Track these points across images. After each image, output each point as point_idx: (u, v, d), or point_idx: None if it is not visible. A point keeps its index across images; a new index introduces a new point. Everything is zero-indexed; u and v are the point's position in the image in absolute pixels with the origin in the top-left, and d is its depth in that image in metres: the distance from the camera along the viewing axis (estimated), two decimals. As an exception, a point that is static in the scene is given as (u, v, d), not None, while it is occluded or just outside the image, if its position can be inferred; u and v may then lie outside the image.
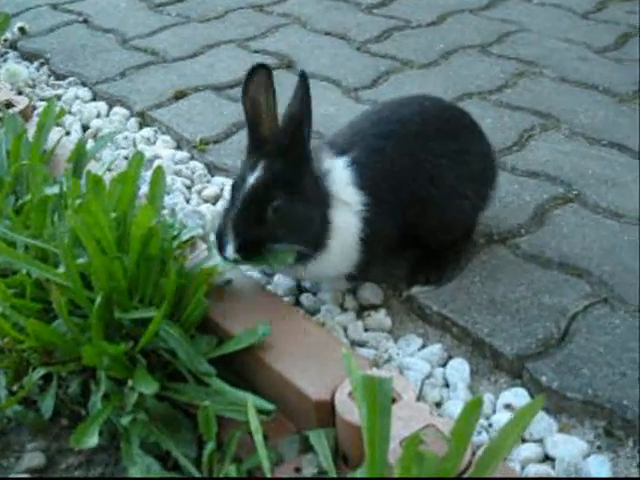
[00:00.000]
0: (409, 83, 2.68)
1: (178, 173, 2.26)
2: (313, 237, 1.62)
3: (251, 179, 1.55)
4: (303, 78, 1.56)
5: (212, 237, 1.64)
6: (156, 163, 2.26)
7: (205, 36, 3.09)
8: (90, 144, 2.29)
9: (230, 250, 1.53)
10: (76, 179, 1.73)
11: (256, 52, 2.94)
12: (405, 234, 1.78)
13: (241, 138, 2.39)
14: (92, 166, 1.99)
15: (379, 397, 1.16)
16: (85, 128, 2.55)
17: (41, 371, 1.52)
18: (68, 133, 2.50)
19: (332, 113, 2.49)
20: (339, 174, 1.67)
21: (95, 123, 2.55)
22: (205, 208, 2.09)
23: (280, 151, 1.57)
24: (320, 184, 1.63)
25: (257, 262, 1.59)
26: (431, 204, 1.76)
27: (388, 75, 2.74)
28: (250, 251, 1.55)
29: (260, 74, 1.59)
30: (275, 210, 1.55)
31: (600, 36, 3.05)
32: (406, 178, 1.73)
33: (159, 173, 1.69)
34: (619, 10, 3.28)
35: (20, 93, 2.75)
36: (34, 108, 2.57)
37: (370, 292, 1.81)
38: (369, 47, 2.96)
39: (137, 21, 3.28)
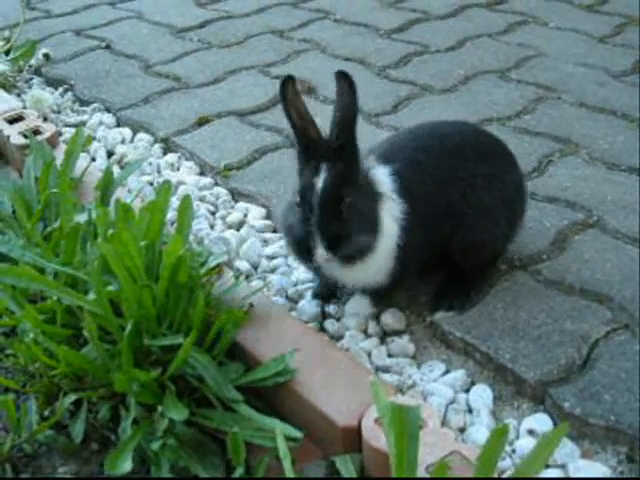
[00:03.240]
0: (429, 109, 2.71)
1: (202, 199, 2.29)
2: (376, 229, 1.68)
3: (320, 182, 1.60)
4: (347, 79, 1.61)
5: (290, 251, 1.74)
6: (181, 189, 2.30)
7: (226, 62, 3.14)
8: (116, 171, 2.34)
9: (322, 251, 1.58)
10: (105, 207, 1.77)
11: (277, 78, 2.97)
12: (437, 251, 1.81)
13: (263, 164, 2.43)
14: (119, 193, 2.02)
15: (407, 425, 1.18)
16: (110, 154, 2.59)
17: (72, 397, 1.55)
18: (93, 159, 2.54)
19: (353, 139, 2.52)
20: (383, 180, 1.72)
21: (120, 149, 2.59)
22: (229, 234, 2.12)
23: (337, 152, 1.62)
24: (372, 185, 1.70)
25: (345, 259, 1.64)
26: (464, 222, 1.80)
27: (408, 101, 2.77)
28: (339, 247, 1.60)
29: (292, 84, 1.63)
30: (349, 206, 1.61)
31: (617, 60, 3.07)
32: (442, 192, 1.78)
33: (187, 202, 1.72)
34: (636, 34, 3.30)
35: (45, 119, 2.79)
36: (60, 134, 2.61)
37: (393, 318, 1.84)
38: (389, 72, 2.99)
39: (159, 47, 3.33)
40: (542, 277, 1.91)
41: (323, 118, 1.65)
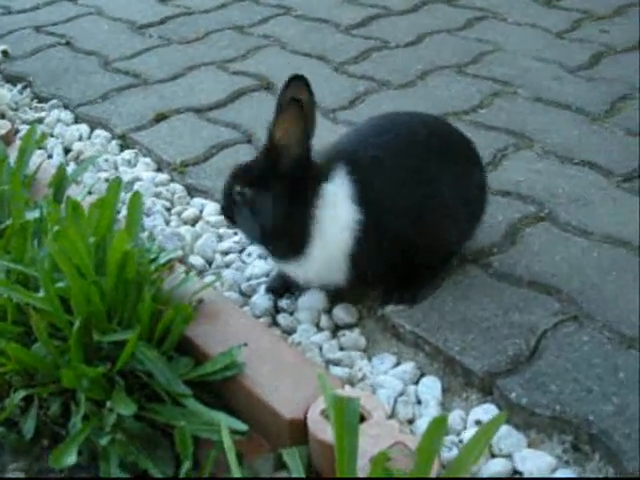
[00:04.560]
0: (386, 104, 2.73)
1: (158, 195, 2.29)
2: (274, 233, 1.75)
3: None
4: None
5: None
6: (137, 186, 2.30)
7: (186, 58, 3.14)
8: (72, 168, 2.34)
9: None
10: (56, 204, 1.77)
11: (236, 74, 2.98)
12: (399, 252, 1.81)
13: (220, 160, 2.44)
14: (73, 190, 2.02)
15: (347, 416, 1.20)
16: (67, 151, 2.59)
17: (22, 393, 1.55)
18: (50, 156, 2.54)
19: (310, 134, 2.53)
20: (339, 183, 1.73)
21: (77, 146, 2.58)
22: (184, 230, 2.13)
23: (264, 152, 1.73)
24: (306, 193, 1.72)
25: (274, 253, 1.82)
26: (425, 221, 1.80)
27: (366, 96, 2.79)
28: (226, 216, 1.83)
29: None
30: (241, 195, 1.75)
31: (574, 55, 3.10)
32: (406, 195, 1.78)
33: (136, 198, 1.73)
34: (593, 29, 3.34)
35: (3, 116, 2.79)
36: (17, 132, 2.60)
37: (345, 312, 1.85)
38: (347, 68, 3.01)
39: (119, 43, 3.32)
40: (493, 270, 1.93)
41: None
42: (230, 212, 1.80)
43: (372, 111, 2.64)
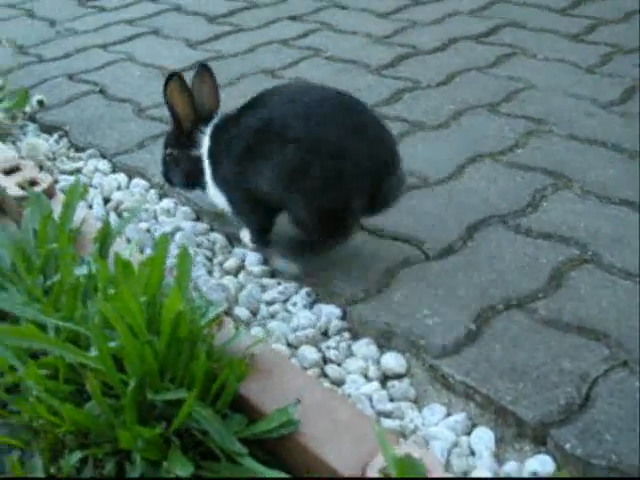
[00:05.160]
0: (421, 145, 2.74)
1: (199, 245, 2.31)
2: (186, 177, 2.33)
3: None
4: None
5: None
6: (178, 236, 2.32)
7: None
8: (114, 218, 2.37)
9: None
10: (104, 261, 1.78)
11: (270, 119, 2.99)
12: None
13: (260, 208, 2.45)
14: (118, 244, 2.04)
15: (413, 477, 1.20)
16: (106, 200, 2.61)
17: (78, 454, 1.56)
18: (90, 206, 2.56)
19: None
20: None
21: (116, 196, 2.61)
22: (228, 280, 2.14)
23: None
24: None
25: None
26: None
27: (401, 138, 2.79)
28: (165, 178, 2.41)
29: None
30: (169, 155, 2.34)
31: (605, 90, 3.10)
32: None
33: (185, 254, 1.73)
34: (624, 63, 3.34)
35: (41, 167, 2.81)
36: (56, 182, 2.63)
37: (394, 361, 1.85)
38: (380, 110, 3.01)
39: (152, 90, 3.35)
40: (539, 316, 1.93)
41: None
42: (165, 172, 2.39)
43: (409, 153, 2.65)
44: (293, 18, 4.13)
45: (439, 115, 2.96)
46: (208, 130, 2.21)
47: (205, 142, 2.20)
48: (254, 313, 2.05)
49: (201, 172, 2.22)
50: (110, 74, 3.57)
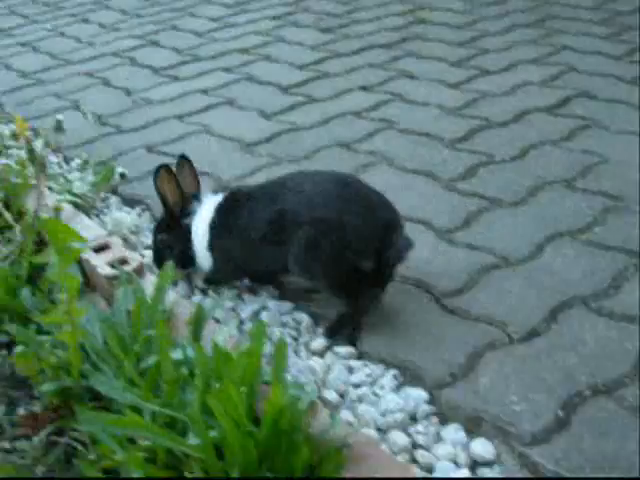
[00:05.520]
0: (499, 223, 2.77)
1: (284, 324, 2.35)
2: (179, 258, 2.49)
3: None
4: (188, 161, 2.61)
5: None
6: (264, 315, 2.37)
7: (297, 178, 3.21)
8: (199, 298, 2.43)
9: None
10: (200, 346, 1.84)
11: (348, 194, 3.04)
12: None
13: (343, 287, 2.49)
14: (210, 327, 2.09)
15: None
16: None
17: None
18: (175, 283, 2.62)
19: (426, 257, 2.58)
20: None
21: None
22: (315, 362, 2.17)
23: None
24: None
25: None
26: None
27: (479, 215, 2.83)
28: (155, 262, 2.60)
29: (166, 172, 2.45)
30: (160, 241, 2.57)
31: (682, 165, 3.11)
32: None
33: (281, 346, 1.78)
34: (698, 135, 3.35)
35: (125, 240, 2.88)
36: (142, 257, 2.70)
37: (483, 447, 1.87)
38: (456, 185, 3.06)
39: (230, 162, 3.42)
40: (628, 403, 1.94)
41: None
42: (157, 258, 2.58)
43: (488, 231, 2.69)
44: (364, 88, 4.20)
45: (515, 191, 2.99)
46: (205, 208, 2.46)
47: (201, 218, 2.46)
48: (342, 395, 2.08)
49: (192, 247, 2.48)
50: (188, 146, 3.65)
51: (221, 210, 2.42)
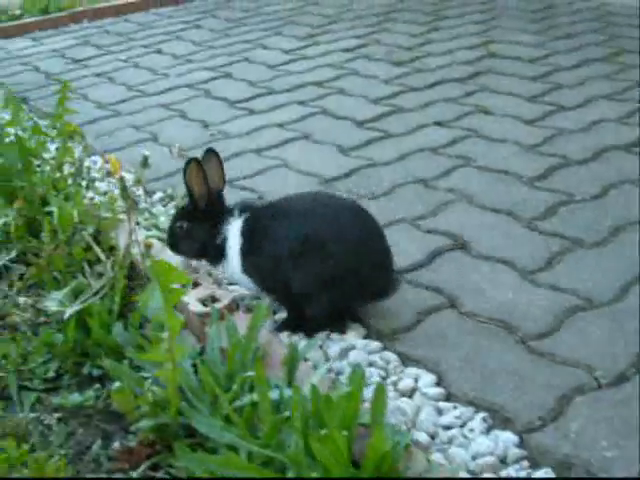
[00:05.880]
0: (582, 263, 2.78)
1: (372, 364, 2.38)
2: (197, 248, 2.71)
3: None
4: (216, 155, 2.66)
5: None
6: (352, 354, 2.40)
7: (377, 215, 3.21)
8: (290, 338, 2.48)
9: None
10: (298, 388, 1.88)
11: (429, 232, 3.07)
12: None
13: (429, 326, 2.52)
14: (304, 370, 2.13)
15: None
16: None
17: None
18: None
19: (510, 298, 2.60)
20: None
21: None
22: (404, 403, 2.20)
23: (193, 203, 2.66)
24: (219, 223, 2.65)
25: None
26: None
27: (561, 255, 2.84)
28: (171, 248, 2.78)
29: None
30: (181, 228, 2.70)
31: None
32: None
33: (381, 392, 1.81)
34: None
35: (210, 274, 2.94)
36: (237, 305, 2.74)
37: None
38: (537, 224, 3.07)
39: (309, 198, 3.47)
40: None
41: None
42: (174, 244, 2.75)
43: (571, 273, 2.70)
44: (439, 124, 4.24)
45: (597, 232, 3.00)
46: (238, 222, 2.62)
47: (234, 229, 2.62)
48: (432, 437, 2.10)
49: (217, 248, 2.65)
50: (267, 181, 3.72)
51: (250, 226, 2.61)
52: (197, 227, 2.67)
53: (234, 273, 2.65)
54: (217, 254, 2.66)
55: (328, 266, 2.43)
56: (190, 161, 2.53)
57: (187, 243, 2.70)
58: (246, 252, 2.58)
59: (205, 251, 2.69)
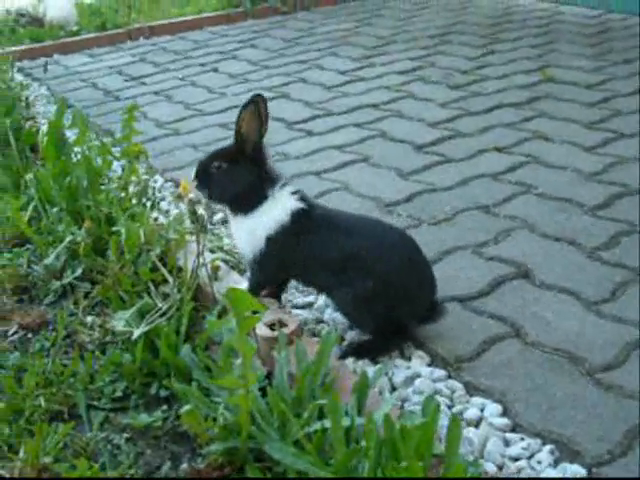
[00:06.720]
0: (647, 296, 2.78)
1: (437, 392, 2.39)
2: (236, 200, 2.63)
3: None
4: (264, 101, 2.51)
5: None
6: (417, 382, 2.42)
7: (439, 241, 3.27)
8: (359, 365, 2.50)
9: (192, 172, 2.65)
10: (371, 417, 1.90)
11: (491, 259, 3.09)
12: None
13: (493, 356, 2.53)
14: (371, 396, 2.15)
15: None
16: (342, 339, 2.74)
17: None
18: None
19: (576, 329, 2.61)
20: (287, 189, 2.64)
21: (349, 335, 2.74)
22: (471, 433, 2.22)
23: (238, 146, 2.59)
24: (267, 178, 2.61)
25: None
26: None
27: (625, 286, 2.84)
28: (198, 180, 2.64)
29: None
30: (217, 168, 2.60)
31: None
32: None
33: (456, 424, 1.83)
34: None
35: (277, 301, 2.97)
36: (301, 330, 2.76)
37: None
38: (600, 254, 3.07)
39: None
40: None
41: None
42: (204, 181, 2.62)
43: (635, 304, 2.70)
44: (498, 149, 4.25)
45: (662, 264, 3.00)
46: (289, 195, 2.62)
47: (283, 198, 2.60)
48: (500, 467, 2.12)
49: (250, 200, 2.60)
50: (328, 204, 3.72)
51: (301, 220, 2.60)
52: (238, 170, 2.58)
53: (253, 235, 2.61)
54: (246, 205, 2.61)
55: (369, 284, 2.48)
56: (252, 100, 2.46)
57: (220, 184, 2.60)
58: (292, 233, 2.58)
59: (234, 197, 2.62)
